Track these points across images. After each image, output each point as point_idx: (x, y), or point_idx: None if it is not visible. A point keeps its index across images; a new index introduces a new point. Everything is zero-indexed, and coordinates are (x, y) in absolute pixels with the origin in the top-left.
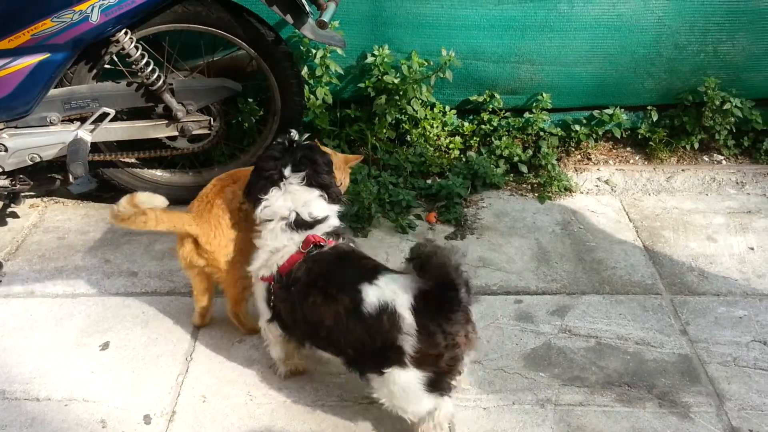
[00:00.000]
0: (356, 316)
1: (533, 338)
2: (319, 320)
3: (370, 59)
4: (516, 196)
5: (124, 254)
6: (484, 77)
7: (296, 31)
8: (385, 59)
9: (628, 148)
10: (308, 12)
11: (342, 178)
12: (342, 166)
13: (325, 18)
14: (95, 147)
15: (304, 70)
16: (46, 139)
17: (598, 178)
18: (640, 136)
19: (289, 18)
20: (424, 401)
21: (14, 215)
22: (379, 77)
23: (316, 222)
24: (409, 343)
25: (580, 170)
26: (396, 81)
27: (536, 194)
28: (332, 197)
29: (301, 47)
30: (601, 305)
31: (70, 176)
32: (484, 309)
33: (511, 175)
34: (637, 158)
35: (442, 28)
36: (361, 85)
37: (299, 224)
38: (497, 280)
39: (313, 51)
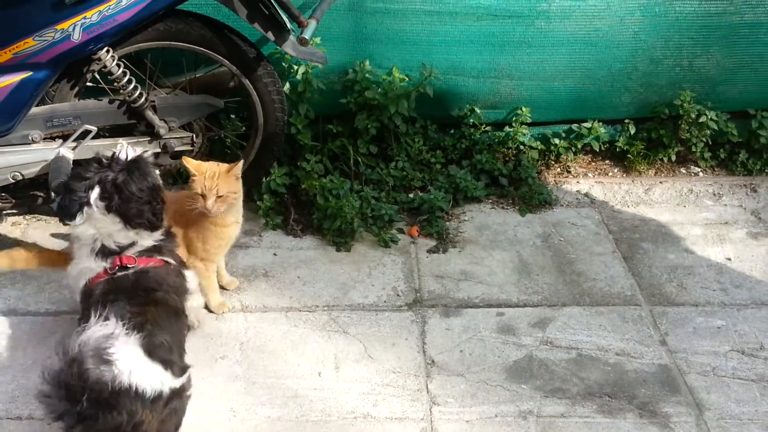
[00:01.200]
0: None
1: (515, 350)
2: None
3: (351, 75)
4: (497, 210)
5: None
6: (464, 92)
7: (278, 47)
8: (366, 75)
9: (607, 161)
10: (289, 29)
11: (230, 189)
12: (227, 178)
13: (306, 35)
14: (77, 164)
15: (286, 87)
16: (28, 157)
17: (577, 191)
18: (618, 149)
19: (270, 35)
20: None
21: None
22: (361, 92)
23: (123, 249)
24: None
25: (560, 183)
26: (377, 96)
27: (517, 207)
28: (135, 226)
29: (283, 63)
30: (581, 317)
31: (53, 194)
32: (466, 322)
33: (492, 188)
34: (615, 171)
35: (422, 44)
36: (343, 100)
37: (105, 252)
38: (479, 293)
39: (295, 67)
